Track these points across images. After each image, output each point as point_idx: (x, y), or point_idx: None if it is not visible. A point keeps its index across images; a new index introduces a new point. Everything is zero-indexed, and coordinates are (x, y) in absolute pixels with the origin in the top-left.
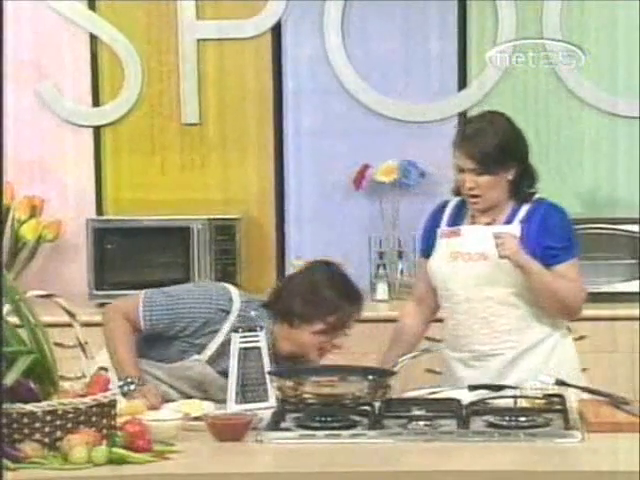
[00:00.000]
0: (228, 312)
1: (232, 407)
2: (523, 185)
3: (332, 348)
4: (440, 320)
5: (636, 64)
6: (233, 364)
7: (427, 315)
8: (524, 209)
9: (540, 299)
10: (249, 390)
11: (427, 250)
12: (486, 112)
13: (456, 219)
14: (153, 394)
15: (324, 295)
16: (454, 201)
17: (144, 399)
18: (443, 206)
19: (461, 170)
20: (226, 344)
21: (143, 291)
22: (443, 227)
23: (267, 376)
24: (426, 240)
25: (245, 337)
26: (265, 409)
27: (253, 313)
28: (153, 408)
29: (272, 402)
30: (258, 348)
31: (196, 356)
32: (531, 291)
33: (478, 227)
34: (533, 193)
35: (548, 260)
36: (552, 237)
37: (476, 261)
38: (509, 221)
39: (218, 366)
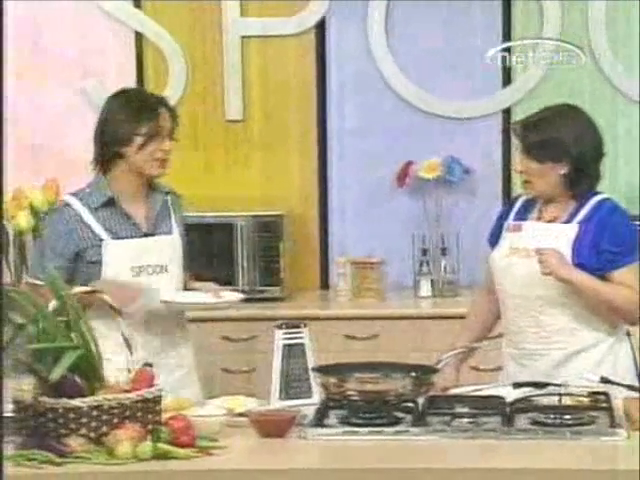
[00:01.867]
0: (79, 217)
1: (276, 403)
2: (580, 183)
3: (166, 154)
4: (497, 317)
5: None
6: (277, 360)
7: (495, 305)
8: (585, 209)
9: (594, 308)
10: (293, 386)
11: (492, 242)
12: (561, 104)
13: (523, 214)
14: None
15: (118, 117)
16: (525, 196)
17: None
18: (515, 200)
19: (519, 152)
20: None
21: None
22: (509, 221)
23: (311, 372)
24: (493, 232)
25: (288, 333)
26: (308, 405)
27: (88, 190)
28: None
29: (315, 398)
30: (301, 345)
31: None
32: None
33: (538, 223)
34: (595, 193)
35: (604, 265)
36: (609, 240)
37: (532, 258)
38: (569, 220)
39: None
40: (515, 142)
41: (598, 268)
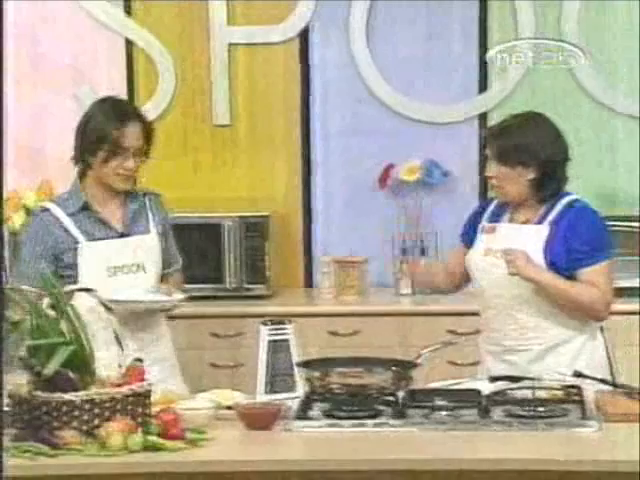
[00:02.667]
0: (58, 222)
1: (261, 397)
2: (547, 186)
3: (129, 172)
4: (474, 314)
5: None
6: (262, 356)
7: (450, 279)
8: (556, 210)
9: (562, 306)
10: (278, 381)
11: (465, 240)
12: (527, 112)
13: (497, 216)
14: None
15: (89, 126)
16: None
17: None
18: (489, 202)
19: (488, 158)
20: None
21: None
22: (484, 222)
23: (295, 367)
24: (466, 230)
25: (274, 330)
26: (293, 399)
27: (65, 195)
28: None
29: (299, 392)
30: (286, 340)
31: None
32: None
33: (512, 225)
34: (565, 194)
35: (574, 263)
36: (578, 241)
37: None
38: (540, 222)
39: None
40: (486, 149)
41: (568, 267)
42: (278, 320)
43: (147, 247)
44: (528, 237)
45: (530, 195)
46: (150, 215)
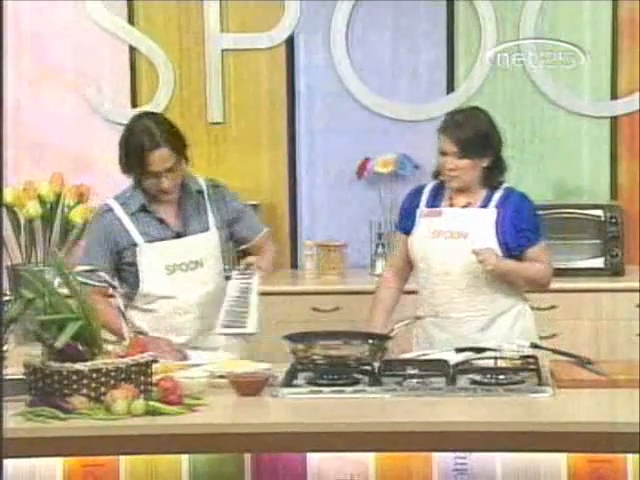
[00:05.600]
0: (119, 222)
1: (218, 329)
2: (495, 173)
3: (163, 190)
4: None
5: (601, 68)
6: (229, 293)
7: (402, 284)
8: (497, 195)
9: (517, 284)
10: (234, 316)
11: (406, 228)
12: (469, 107)
13: (434, 201)
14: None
15: (127, 146)
16: (431, 185)
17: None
18: (421, 189)
19: (444, 153)
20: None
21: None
22: (423, 208)
23: (251, 307)
24: (406, 219)
25: (241, 275)
26: (242, 335)
27: (128, 194)
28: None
29: (250, 329)
30: (250, 284)
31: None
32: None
33: (457, 209)
34: (502, 181)
35: (522, 242)
36: (526, 222)
37: (457, 239)
38: (484, 205)
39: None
40: (441, 142)
41: (519, 245)
42: (248, 269)
43: (206, 244)
44: (477, 219)
45: (479, 181)
46: (210, 210)
